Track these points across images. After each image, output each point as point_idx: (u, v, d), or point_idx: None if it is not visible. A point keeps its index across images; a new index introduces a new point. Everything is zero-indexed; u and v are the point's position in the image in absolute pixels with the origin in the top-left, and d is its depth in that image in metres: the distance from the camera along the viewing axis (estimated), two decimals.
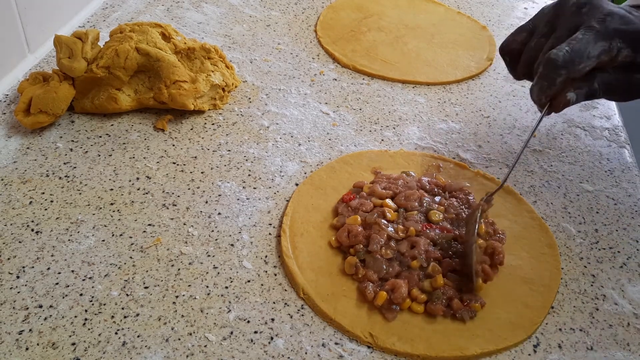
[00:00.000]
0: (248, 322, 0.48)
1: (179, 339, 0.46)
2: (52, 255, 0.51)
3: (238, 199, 0.59)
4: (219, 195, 0.59)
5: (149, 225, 0.55)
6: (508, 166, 0.67)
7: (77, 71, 0.63)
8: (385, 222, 0.54)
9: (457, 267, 0.52)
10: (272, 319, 0.49)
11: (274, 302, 0.50)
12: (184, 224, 0.56)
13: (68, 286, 0.49)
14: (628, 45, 0.53)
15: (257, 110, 0.71)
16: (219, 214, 0.57)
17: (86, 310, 0.48)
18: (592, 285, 0.55)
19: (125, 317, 0.47)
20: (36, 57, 0.74)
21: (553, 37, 0.55)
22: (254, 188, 0.60)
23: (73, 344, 0.45)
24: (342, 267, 0.53)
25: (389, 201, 0.57)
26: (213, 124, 0.68)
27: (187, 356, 0.45)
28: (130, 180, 0.59)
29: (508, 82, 0.82)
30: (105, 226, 0.54)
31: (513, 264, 0.55)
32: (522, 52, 0.58)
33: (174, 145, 0.64)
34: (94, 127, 0.65)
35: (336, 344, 0.48)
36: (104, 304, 0.48)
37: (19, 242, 0.52)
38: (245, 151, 0.65)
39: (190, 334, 0.47)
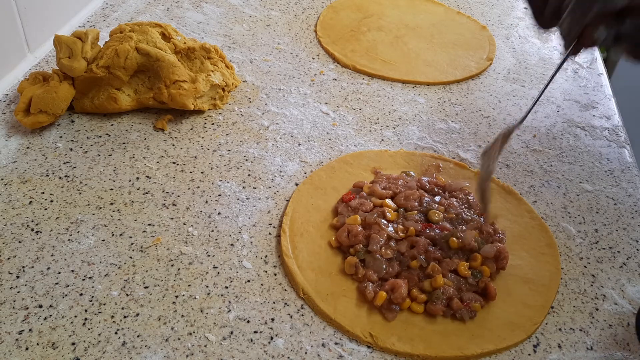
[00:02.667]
0: (248, 322, 0.48)
1: (179, 339, 0.46)
2: (52, 255, 0.51)
3: (238, 199, 0.59)
4: (219, 195, 0.59)
5: (149, 225, 0.55)
6: (508, 166, 0.67)
7: (77, 71, 0.63)
8: (385, 222, 0.54)
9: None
10: (272, 319, 0.49)
11: (273, 302, 0.50)
12: (184, 224, 0.56)
13: (68, 286, 0.49)
14: None
15: (257, 110, 0.71)
16: (219, 213, 0.57)
17: (86, 310, 0.48)
18: (592, 285, 0.55)
19: (125, 317, 0.47)
20: (36, 57, 0.74)
21: None
22: (254, 188, 0.60)
23: (73, 343, 0.45)
24: (342, 267, 0.53)
25: (389, 201, 0.57)
26: (213, 124, 0.68)
27: (187, 356, 0.45)
28: (130, 180, 0.59)
29: (508, 82, 0.82)
30: (105, 226, 0.54)
31: (513, 264, 0.55)
32: None
33: (174, 145, 0.64)
34: (94, 127, 0.65)
35: (336, 344, 0.48)
36: (104, 304, 0.48)
37: (19, 242, 0.52)
38: (245, 151, 0.65)
39: (190, 334, 0.47)
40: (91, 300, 0.48)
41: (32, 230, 0.53)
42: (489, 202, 0.55)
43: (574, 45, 0.52)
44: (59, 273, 0.50)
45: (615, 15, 0.51)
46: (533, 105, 0.55)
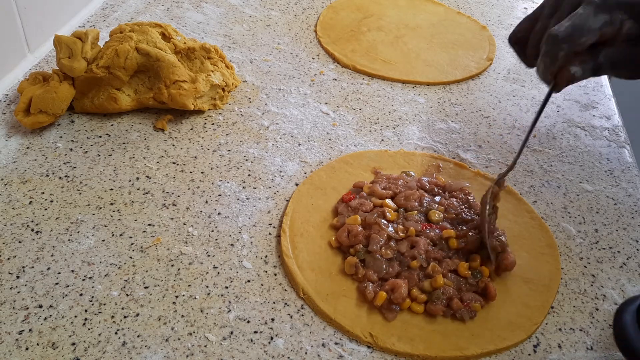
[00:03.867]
0: (248, 322, 0.48)
1: (179, 339, 0.46)
2: (52, 255, 0.51)
3: (238, 199, 0.59)
4: (219, 195, 0.59)
5: (149, 225, 0.55)
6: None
7: (77, 71, 0.63)
8: (385, 222, 0.54)
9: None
10: (272, 319, 0.49)
11: (274, 302, 0.50)
12: (184, 224, 0.56)
13: (68, 286, 0.49)
14: (630, 17, 0.52)
15: (257, 110, 0.71)
16: (219, 214, 0.57)
17: (86, 310, 0.48)
18: (592, 285, 0.55)
19: (125, 317, 0.47)
20: (36, 57, 0.74)
21: (556, 16, 0.55)
22: (254, 188, 0.60)
23: (73, 344, 0.45)
24: (342, 267, 0.53)
25: (389, 201, 0.57)
26: (213, 124, 0.68)
27: (187, 356, 0.45)
28: (130, 180, 0.59)
29: (508, 82, 0.82)
30: (105, 226, 0.54)
31: None
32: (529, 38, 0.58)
33: (174, 145, 0.64)
34: (94, 127, 0.65)
35: (336, 344, 0.48)
36: (104, 304, 0.48)
37: (19, 242, 0.52)
38: (245, 151, 0.65)
39: (190, 334, 0.47)
40: (91, 301, 0.48)
41: (32, 230, 0.53)
42: (488, 247, 0.53)
43: (553, 84, 0.54)
44: (59, 273, 0.50)
45: (588, 50, 0.52)
46: (523, 146, 0.55)
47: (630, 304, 0.44)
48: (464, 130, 0.72)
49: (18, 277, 0.49)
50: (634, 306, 0.44)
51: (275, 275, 0.52)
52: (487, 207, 0.54)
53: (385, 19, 0.91)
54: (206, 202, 0.58)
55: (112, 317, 0.47)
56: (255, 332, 0.48)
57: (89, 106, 0.66)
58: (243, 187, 0.60)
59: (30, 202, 0.56)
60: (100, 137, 0.64)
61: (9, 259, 0.51)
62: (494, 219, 0.55)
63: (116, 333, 0.46)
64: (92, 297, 0.49)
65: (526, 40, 0.59)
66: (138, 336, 0.46)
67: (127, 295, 0.49)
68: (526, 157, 0.69)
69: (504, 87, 0.81)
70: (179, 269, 0.52)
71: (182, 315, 0.48)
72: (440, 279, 0.51)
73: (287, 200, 0.59)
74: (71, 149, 0.62)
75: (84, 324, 0.47)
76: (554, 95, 0.82)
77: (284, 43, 0.83)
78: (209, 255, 0.53)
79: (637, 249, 0.59)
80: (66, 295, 0.48)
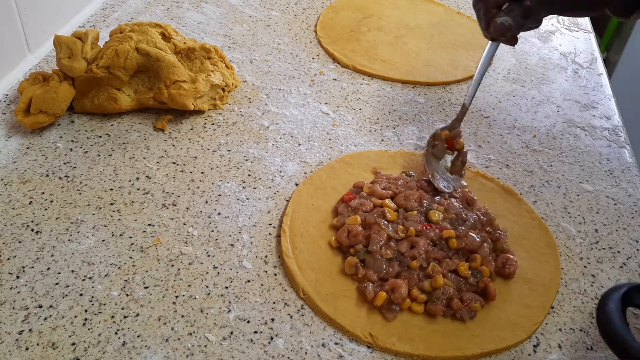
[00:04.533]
0: (248, 322, 0.48)
1: (179, 339, 0.46)
2: (52, 255, 0.51)
3: (238, 199, 0.59)
4: (219, 195, 0.59)
5: (149, 225, 0.55)
6: (508, 166, 0.67)
7: (77, 71, 0.63)
8: (385, 222, 0.54)
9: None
10: (272, 319, 0.49)
11: (274, 302, 0.50)
12: (184, 224, 0.56)
13: (68, 286, 0.49)
14: None
15: (257, 110, 0.71)
16: (219, 214, 0.57)
17: (86, 310, 0.48)
18: (592, 285, 0.55)
19: (125, 317, 0.47)
20: (36, 57, 0.74)
21: None
22: (254, 188, 0.60)
23: (73, 344, 0.45)
24: (342, 267, 0.53)
25: (388, 201, 0.57)
26: (213, 124, 0.68)
27: (187, 356, 0.45)
28: (130, 180, 0.59)
29: (508, 82, 0.82)
30: (105, 226, 0.54)
31: None
32: None
33: (174, 145, 0.64)
34: (94, 127, 0.65)
35: (336, 344, 0.48)
36: (104, 304, 0.48)
37: (19, 242, 0.52)
38: (245, 151, 0.65)
39: (190, 334, 0.47)
40: (91, 301, 0.48)
41: (32, 230, 0.53)
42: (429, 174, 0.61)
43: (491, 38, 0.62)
44: (59, 273, 0.50)
45: (514, 1, 0.58)
46: (474, 90, 0.64)
47: (614, 292, 0.44)
48: (464, 130, 0.72)
49: (18, 277, 0.49)
50: (617, 294, 0.44)
51: (275, 275, 0.52)
52: (427, 148, 0.64)
53: (385, 19, 0.91)
54: (206, 202, 0.58)
55: (112, 317, 0.47)
56: (255, 332, 0.48)
57: (89, 106, 0.66)
58: (243, 187, 0.60)
59: (30, 202, 0.56)
60: (100, 137, 0.64)
61: (9, 259, 0.51)
62: (460, 161, 0.63)
63: (116, 333, 0.46)
64: (92, 297, 0.49)
65: None
66: (138, 336, 0.46)
67: (127, 295, 0.49)
68: (526, 157, 0.69)
69: (504, 87, 0.81)
70: (179, 269, 0.52)
71: (182, 315, 0.48)
72: (440, 279, 0.51)
73: (287, 200, 0.59)
74: (71, 149, 0.62)
75: (84, 324, 0.47)
76: (552, 93, 0.82)
77: (284, 43, 0.83)
78: (209, 255, 0.53)
79: (637, 249, 0.59)
80: (66, 295, 0.48)
